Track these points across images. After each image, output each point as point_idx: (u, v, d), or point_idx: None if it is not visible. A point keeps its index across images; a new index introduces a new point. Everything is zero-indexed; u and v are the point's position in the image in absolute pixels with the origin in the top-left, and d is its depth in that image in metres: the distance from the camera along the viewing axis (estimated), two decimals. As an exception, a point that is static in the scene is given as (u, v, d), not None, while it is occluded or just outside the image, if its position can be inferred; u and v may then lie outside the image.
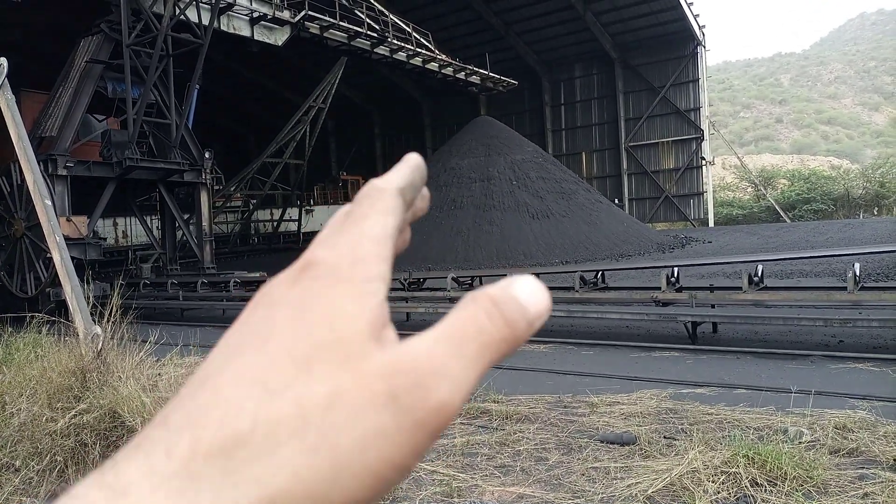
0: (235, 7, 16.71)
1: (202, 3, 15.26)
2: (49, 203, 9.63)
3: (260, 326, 0.29)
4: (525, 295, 0.30)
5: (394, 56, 23.01)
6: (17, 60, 10.38)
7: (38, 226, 10.32)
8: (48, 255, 10.96)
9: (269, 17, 17.88)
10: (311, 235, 31.64)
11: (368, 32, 21.26)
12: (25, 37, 15.20)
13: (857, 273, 7.18)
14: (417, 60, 24.03)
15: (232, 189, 27.04)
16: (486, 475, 3.94)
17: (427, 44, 24.70)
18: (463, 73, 26.49)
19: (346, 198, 34.11)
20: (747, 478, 3.42)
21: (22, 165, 9.88)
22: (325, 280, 0.30)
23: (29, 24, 15.34)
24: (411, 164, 0.38)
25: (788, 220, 31.46)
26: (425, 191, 0.39)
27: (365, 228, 0.32)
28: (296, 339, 0.28)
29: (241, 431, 0.25)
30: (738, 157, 37.41)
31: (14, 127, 9.92)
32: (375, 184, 0.35)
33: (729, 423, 4.51)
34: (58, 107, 13.94)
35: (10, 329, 8.04)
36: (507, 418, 4.92)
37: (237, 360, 0.28)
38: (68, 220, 12.93)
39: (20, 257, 13.48)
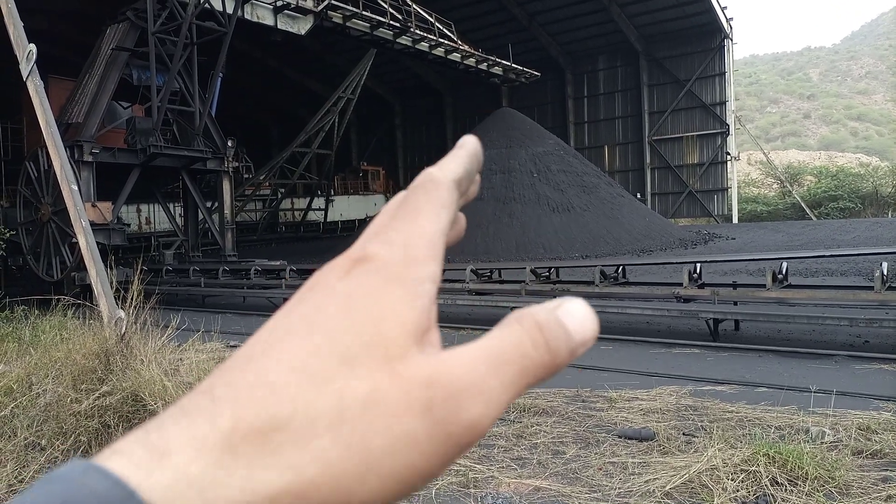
0: (259, -5, 16.77)
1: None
2: (75, 188, 9.74)
3: (309, 313, 0.29)
4: (571, 321, 0.30)
5: (416, 46, 22.95)
6: (44, 47, 10.50)
7: (64, 211, 10.46)
8: (73, 239, 11.11)
9: (292, 5, 17.91)
10: (332, 225, 31.80)
11: (391, 22, 21.23)
12: (52, 23, 15.40)
13: (885, 272, 7.04)
14: (440, 51, 23.95)
15: (261, 178, 27.26)
16: (503, 467, 3.94)
17: (450, 34, 24.59)
18: (485, 63, 26.35)
19: (366, 188, 34.18)
20: (767, 477, 3.38)
21: (49, 151, 10.00)
22: (377, 277, 0.30)
23: (56, 11, 15.53)
24: (469, 151, 0.38)
25: (814, 218, 30.93)
26: (477, 175, 0.39)
27: (419, 224, 0.32)
28: (342, 333, 0.28)
29: (280, 415, 0.26)
30: (764, 153, 36.86)
31: (42, 113, 10.05)
32: (432, 174, 0.35)
33: (749, 421, 4.47)
34: (84, 94, 14.11)
35: (36, 311, 8.19)
36: (524, 411, 4.92)
37: (284, 343, 0.28)
38: (93, 205, 13.11)
39: (46, 241, 13.70)
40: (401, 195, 0.35)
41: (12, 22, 10.26)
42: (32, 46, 10.07)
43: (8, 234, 12.19)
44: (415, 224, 0.32)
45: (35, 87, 10.24)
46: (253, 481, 0.25)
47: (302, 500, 0.26)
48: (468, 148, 0.38)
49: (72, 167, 10.47)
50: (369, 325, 0.28)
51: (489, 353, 0.29)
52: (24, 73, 10.21)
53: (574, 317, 0.30)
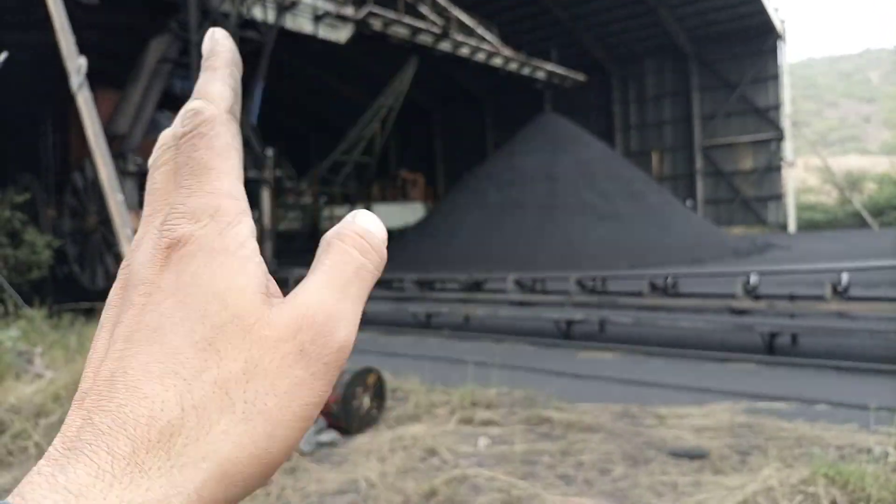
0: (299, 5, 16.91)
1: (268, 1, 15.51)
2: (121, 198, 9.89)
3: (147, 318, 0.29)
4: (375, 227, 0.33)
5: (456, 52, 22.82)
6: (93, 59, 10.72)
7: (109, 220, 10.63)
8: (118, 248, 11.28)
9: (332, 14, 18.03)
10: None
11: (431, 28, 21.14)
12: (101, 37, 15.82)
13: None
14: (480, 56, 23.76)
15: (303, 186, 27.53)
16: (548, 484, 3.84)
17: (491, 39, 24.37)
18: (527, 68, 26.01)
19: (405, 196, 34.17)
20: (827, 499, 3.25)
21: (96, 162, 10.19)
22: (199, 258, 0.30)
23: (105, 25, 15.95)
24: (227, 61, 0.34)
25: (876, 227, 29.63)
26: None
27: (215, 185, 0.31)
28: (192, 325, 0.29)
29: (173, 420, 0.27)
30: (822, 159, 35.50)
31: (91, 125, 10.25)
32: (202, 113, 0.32)
33: (807, 439, 4.31)
34: (128, 105, 14.41)
35: (83, 319, 8.36)
36: (569, 427, 4.81)
37: (140, 355, 0.28)
38: (137, 214, 13.31)
39: (91, 251, 13.98)
40: (170, 136, 0.32)
41: (64, 37, 10.50)
42: (83, 60, 10.29)
43: (56, 244, 12.47)
44: (210, 184, 0.31)
45: (84, 100, 10.45)
46: (174, 485, 0.26)
47: (227, 478, 0.27)
48: (225, 57, 0.34)
49: (117, 178, 10.63)
50: (215, 306, 0.29)
51: (330, 281, 0.31)
52: (75, 86, 10.43)
53: (374, 222, 0.33)
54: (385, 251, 0.33)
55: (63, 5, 10.76)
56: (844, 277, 7.84)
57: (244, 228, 0.30)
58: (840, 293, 7.66)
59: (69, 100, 10.95)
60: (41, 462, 0.26)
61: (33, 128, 16.95)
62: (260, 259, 0.31)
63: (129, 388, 0.27)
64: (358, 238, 0.32)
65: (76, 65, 10.44)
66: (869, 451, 3.93)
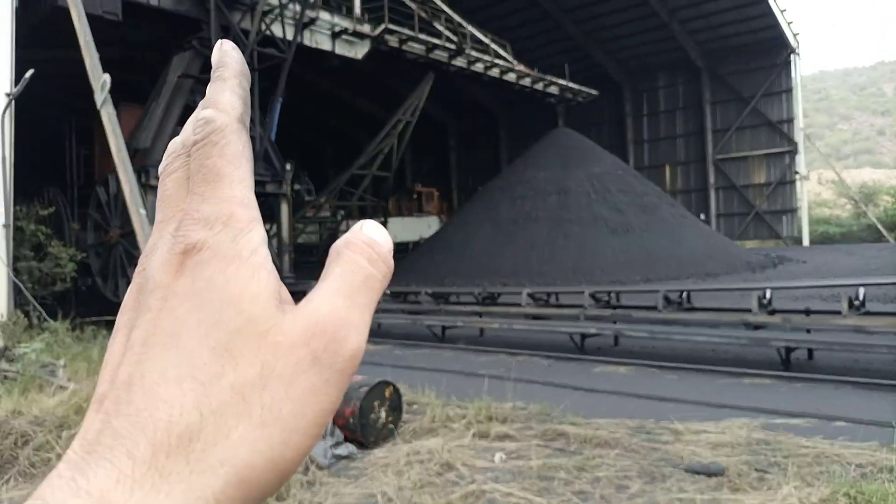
0: (318, 22, 17.15)
1: (286, 18, 15.74)
2: (143, 212, 10.04)
3: (163, 323, 0.30)
4: (381, 237, 0.34)
5: (471, 68, 22.98)
6: (116, 75, 10.91)
7: (132, 233, 10.77)
8: (139, 261, 11.42)
9: (349, 31, 18.25)
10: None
11: (446, 45, 21.34)
12: (124, 53, 16.14)
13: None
14: (495, 72, 23.92)
15: (322, 200, 27.67)
16: (564, 501, 3.81)
17: (505, 55, 24.55)
18: (541, 83, 26.14)
19: (420, 210, 34.28)
20: None
21: (120, 176, 10.34)
22: (213, 264, 0.30)
23: (128, 41, 16.25)
24: (237, 72, 0.35)
25: (892, 240, 29.34)
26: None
27: (227, 193, 0.31)
28: (207, 330, 0.29)
29: (191, 425, 0.28)
30: (836, 172, 35.27)
31: (114, 140, 10.42)
32: (214, 122, 0.32)
33: (827, 457, 4.24)
34: (151, 120, 14.61)
35: (104, 332, 8.44)
36: (585, 442, 4.77)
37: (157, 360, 0.29)
38: (157, 228, 13.47)
39: (114, 263, 14.17)
40: (177, 146, 0.33)
41: (89, 54, 10.71)
42: (106, 77, 10.48)
43: (80, 257, 12.66)
44: (223, 191, 0.31)
45: (108, 116, 10.64)
46: (194, 490, 0.27)
47: (245, 484, 0.28)
48: (234, 67, 0.35)
49: (140, 192, 10.79)
50: (229, 312, 0.29)
51: (340, 289, 0.32)
52: (99, 102, 10.63)
53: (380, 232, 0.34)
54: (392, 261, 0.34)
55: (87, 23, 10.96)
56: (861, 292, 7.77)
57: (256, 236, 0.31)
58: (857, 308, 7.58)
59: (93, 115, 11.14)
60: (60, 465, 0.27)
61: (58, 142, 17.25)
62: (272, 266, 0.32)
63: (147, 393, 0.28)
64: (366, 247, 0.33)
65: (100, 81, 10.65)
66: (891, 469, 3.88)
